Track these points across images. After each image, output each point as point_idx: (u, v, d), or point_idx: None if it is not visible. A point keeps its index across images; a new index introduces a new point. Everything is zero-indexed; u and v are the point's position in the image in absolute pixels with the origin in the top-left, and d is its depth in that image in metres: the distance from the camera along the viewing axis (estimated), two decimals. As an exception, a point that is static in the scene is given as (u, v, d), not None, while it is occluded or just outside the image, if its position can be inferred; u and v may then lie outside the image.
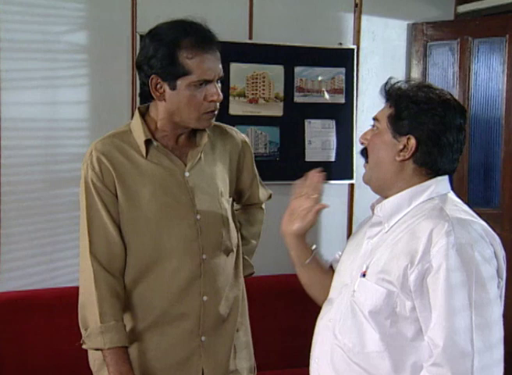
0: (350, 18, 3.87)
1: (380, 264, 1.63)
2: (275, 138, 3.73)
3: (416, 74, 4.04)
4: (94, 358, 2.09)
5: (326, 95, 3.81)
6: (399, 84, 1.73)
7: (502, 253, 1.62)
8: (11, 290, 3.15)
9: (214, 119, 2.04)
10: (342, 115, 3.84)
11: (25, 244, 3.29)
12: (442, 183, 1.70)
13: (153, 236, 2.01)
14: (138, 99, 3.32)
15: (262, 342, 3.28)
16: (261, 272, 3.60)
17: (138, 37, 3.31)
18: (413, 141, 1.66)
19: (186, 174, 2.05)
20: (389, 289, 1.59)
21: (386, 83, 1.75)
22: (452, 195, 1.71)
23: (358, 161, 3.59)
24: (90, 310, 1.98)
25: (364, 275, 1.67)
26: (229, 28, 3.57)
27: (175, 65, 1.92)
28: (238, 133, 2.26)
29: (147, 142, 2.02)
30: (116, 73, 3.38)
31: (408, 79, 1.75)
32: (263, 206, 2.46)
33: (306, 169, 3.73)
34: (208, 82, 1.95)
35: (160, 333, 2.04)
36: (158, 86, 1.96)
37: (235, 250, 2.18)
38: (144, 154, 2.02)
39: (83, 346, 2.00)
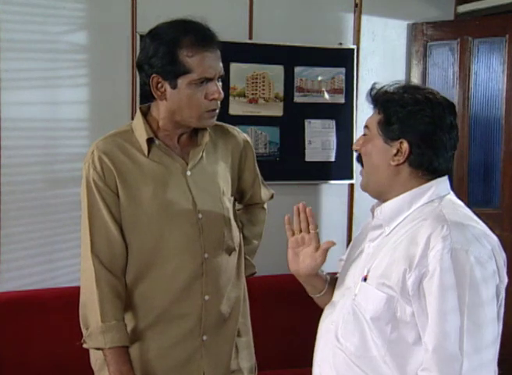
0: (350, 18, 3.87)
1: (380, 268, 1.63)
2: (275, 138, 3.73)
3: (416, 74, 4.04)
4: (96, 358, 2.08)
5: (326, 95, 3.81)
6: (384, 89, 1.72)
7: (502, 255, 1.61)
8: (11, 290, 3.15)
9: (215, 118, 2.04)
10: (342, 115, 3.84)
11: (25, 244, 3.29)
12: (441, 185, 1.69)
13: (154, 235, 2.01)
14: (138, 99, 3.34)
15: (263, 342, 3.28)
16: (261, 272, 3.60)
17: (138, 37, 3.31)
18: (405, 145, 1.65)
19: (188, 173, 2.05)
20: (389, 294, 1.58)
21: (372, 90, 1.74)
22: (452, 197, 1.70)
23: (358, 161, 3.60)
24: (91, 309, 1.98)
25: (365, 279, 1.66)
26: (229, 28, 3.57)
27: (175, 63, 1.92)
28: (240, 133, 2.26)
29: (149, 141, 2.02)
30: (116, 73, 3.38)
31: (395, 81, 1.73)
32: (265, 206, 2.45)
33: (306, 169, 3.79)
34: (208, 80, 1.95)
35: (161, 332, 2.04)
36: (159, 85, 1.96)
37: (237, 249, 2.18)
38: (146, 152, 2.01)
39: (84, 345, 2.00)
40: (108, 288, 1.97)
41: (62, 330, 2.96)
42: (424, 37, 4.01)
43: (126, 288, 2.03)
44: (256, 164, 2.32)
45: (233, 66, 3.61)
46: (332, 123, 3.82)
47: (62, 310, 2.94)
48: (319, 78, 3.79)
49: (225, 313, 2.12)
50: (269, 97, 3.70)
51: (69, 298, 2.71)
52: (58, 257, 3.34)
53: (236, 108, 3.64)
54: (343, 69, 3.84)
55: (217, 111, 2.01)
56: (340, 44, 3.84)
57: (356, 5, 3.86)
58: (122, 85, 3.38)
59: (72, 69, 3.34)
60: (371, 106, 1.75)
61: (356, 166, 3.81)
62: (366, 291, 1.64)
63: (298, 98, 3.76)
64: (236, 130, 2.26)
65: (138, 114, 2.07)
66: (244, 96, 3.66)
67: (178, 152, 2.06)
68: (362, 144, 1.74)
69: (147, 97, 2.05)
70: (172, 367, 2.05)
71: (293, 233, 1.84)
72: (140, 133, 2.03)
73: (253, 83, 3.67)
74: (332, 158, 3.84)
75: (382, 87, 1.73)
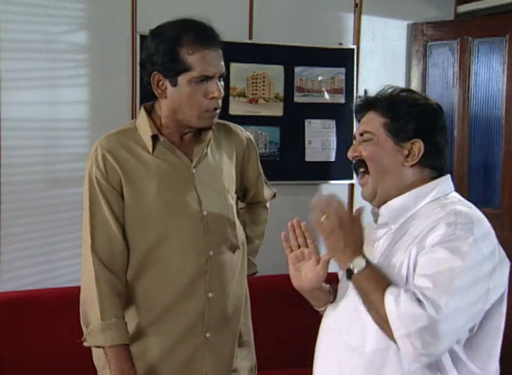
0: (350, 18, 3.87)
1: (383, 269, 1.63)
2: (275, 138, 3.73)
3: (416, 74, 4.04)
4: (98, 356, 2.09)
5: (326, 95, 3.81)
6: (381, 93, 1.73)
7: (503, 254, 1.63)
8: (11, 290, 3.15)
9: (216, 117, 2.04)
10: (342, 115, 3.84)
11: (25, 244, 3.29)
12: (446, 183, 1.72)
13: (159, 232, 2.01)
14: (138, 99, 3.34)
15: (263, 342, 3.28)
16: (261, 272, 3.61)
17: (138, 37, 3.31)
18: (418, 145, 1.67)
19: (193, 170, 2.05)
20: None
21: (363, 97, 1.77)
22: (456, 194, 1.73)
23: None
24: (91, 307, 1.98)
25: None
26: (229, 28, 3.53)
27: (176, 61, 1.92)
28: (243, 131, 2.27)
29: (154, 138, 2.02)
30: (116, 73, 3.38)
31: (385, 87, 1.75)
32: (267, 205, 2.46)
33: (306, 169, 3.79)
34: (208, 78, 1.95)
35: (164, 329, 2.04)
36: (160, 83, 1.97)
37: (241, 248, 2.18)
38: (151, 149, 2.02)
39: (85, 343, 2.00)
40: (108, 287, 1.97)
41: (62, 330, 2.96)
42: (424, 37, 4.01)
43: (127, 286, 2.03)
44: (259, 163, 2.33)
45: (233, 66, 3.61)
46: (332, 123, 3.82)
47: (62, 310, 2.94)
48: (319, 78, 3.79)
49: (229, 311, 2.12)
50: (269, 97, 3.70)
51: (69, 298, 2.72)
52: (58, 257, 3.34)
53: (236, 108, 3.64)
54: (343, 69, 3.84)
55: (218, 111, 2.01)
56: (340, 44, 3.84)
57: (356, 5, 3.86)
58: (122, 85, 3.38)
59: (72, 69, 3.34)
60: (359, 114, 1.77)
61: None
62: None
63: (298, 98, 3.76)
64: (239, 128, 2.27)
65: (142, 112, 2.07)
66: (244, 96, 3.66)
67: (182, 150, 2.06)
68: (365, 149, 1.72)
69: (149, 95, 2.05)
70: (175, 365, 2.06)
71: (292, 249, 1.80)
72: (145, 130, 2.03)
73: (253, 83, 3.67)
74: (332, 159, 3.84)
75: (376, 94, 1.74)
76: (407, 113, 1.67)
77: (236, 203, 2.23)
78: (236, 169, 2.20)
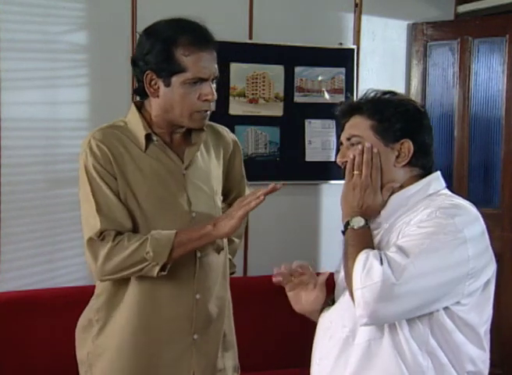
0: (350, 18, 3.87)
1: None
2: (275, 138, 3.73)
3: (416, 74, 4.05)
4: (87, 352, 2.07)
5: (326, 95, 3.81)
6: (364, 97, 1.75)
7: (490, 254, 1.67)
8: (11, 290, 3.15)
9: (207, 119, 2.03)
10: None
11: (25, 244, 3.29)
12: (436, 181, 1.73)
13: (148, 230, 1.98)
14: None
15: (262, 342, 3.28)
16: (260, 272, 3.61)
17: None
18: (408, 144, 1.68)
19: (184, 172, 2.05)
20: None
21: (350, 101, 1.79)
22: (447, 191, 1.74)
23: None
24: (130, 252, 1.92)
25: None
26: (229, 28, 3.57)
27: (170, 61, 1.92)
28: (229, 133, 2.27)
29: (147, 137, 2.01)
30: (116, 73, 3.37)
31: (367, 91, 1.77)
32: None
33: (306, 169, 3.79)
34: (202, 81, 1.94)
35: (153, 330, 2.03)
36: (153, 82, 1.96)
37: (225, 249, 2.18)
38: (144, 148, 2.01)
39: (157, 268, 1.92)
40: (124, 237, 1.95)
41: (62, 330, 2.95)
42: (424, 37, 4.01)
43: (115, 286, 2.01)
44: (243, 165, 2.33)
45: (233, 66, 3.61)
46: (332, 123, 3.82)
47: (62, 310, 2.94)
48: (319, 78, 3.79)
49: (214, 313, 2.12)
50: (269, 97, 3.70)
51: (69, 298, 2.73)
52: (58, 257, 3.34)
53: (236, 108, 3.64)
54: (343, 69, 3.84)
55: (208, 112, 2.01)
56: (340, 44, 3.84)
57: (356, 5, 3.86)
58: (122, 85, 3.38)
59: (72, 69, 3.34)
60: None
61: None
62: None
63: (298, 98, 3.76)
64: (225, 129, 2.27)
65: (133, 109, 2.06)
66: (244, 96, 3.66)
67: (174, 150, 2.05)
68: (358, 155, 1.71)
69: (140, 93, 2.04)
70: (163, 366, 2.04)
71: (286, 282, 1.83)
72: (138, 128, 2.02)
73: (253, 83, 3.67)
74: (332, 158, 3.83)
75: (359, 98, 1.76)
76: (393, 114, 1.69)
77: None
78: (223, 170, 2.20)
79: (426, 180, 1.71)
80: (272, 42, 3.66)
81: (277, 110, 3.72)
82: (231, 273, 2.31)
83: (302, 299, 1.83)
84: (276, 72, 3.71)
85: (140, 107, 2.07)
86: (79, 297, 2.05)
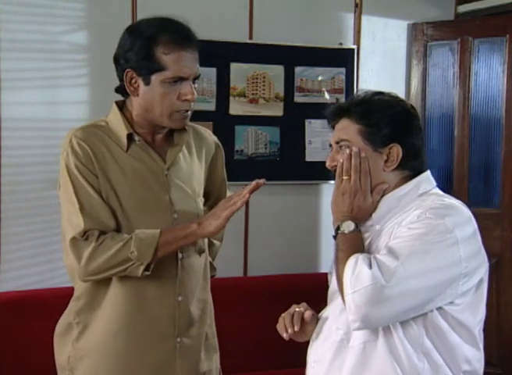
0: (350, 18, 3.87)
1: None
2: (275, 138, 3.73)
3: (416, 74, 4.05)
4: (68, 356, 2.05)
5: (326, 95, 3.81)
6: (352, 100, 1.75)
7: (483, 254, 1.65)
8: (11, 290, 3.15)
9: (187, 119, 2.01)
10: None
11: (25, 244, 3.29)
12: (426, 181, 1.73)
13: (129, 231, 1.96)
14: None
15: (261, 342, 3.28)
16: (260, 272, 3.61)
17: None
18: (396, 149, 1.68)
19: (166, 172, 2.02)
20: None
21: (339, 104, 1.78)
22: (438, 191, 1.74)
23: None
24: (115, 252, 1.90)
25: None
26: (229, 28, 3.57)
27: (150, 59, 1.90)
28: (211, 135, 2.25)
29: (129, 137, 1.99)
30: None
31: (359, 93, 1.77)
32: None
33: (306, 169, 3.79)
34: (183, 80, 1.92)
35: (136, 334, 2.00)
36: (133, 81, 1.94)
37: (206, 251, 2.16)
38: (125, 148, 1.98)
39: (138, 263, 1.90)
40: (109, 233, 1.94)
41: (62, 330, 2.96)
42: (424, 37, 4.01)
43: (96, 287, 1.99)
44: (224, 168, 2.30)
45: (233, 66, 3.61)
46: (332, 123, 3.82)
47: (62, 310, 2.93)
48: (319, 78, 3.79)
49: (196, 315, 2.10)
50: (269, 97, 3.70)
51: (68, 298, 2.71)
52: (58, 257, 3.31)
53: (236, 108, 3.64)
54: (343, 69, 3.84)
55: (189, 112, 1.98)
56: (341, 44, 3.84)
57: (356, 5, 3.86)
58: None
59: (72, 69, 3.35)
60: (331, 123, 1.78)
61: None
62: None
63: (298, 98, 3.77)
64: (207, 131, 2.24)
65: (115, 109, 2.04)
66: (244, 96, 3.66)
67: (156, 151, 2.03)
68: (346, 159, 1.72)
69: (121, 92, 2.02)
70: (147, 369, 2.02)
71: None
72: (119, 127, 2.00)
73: (253, 83, 3.67)
74: (333, 159, 3.83)
75: (348, 100, 1.77)
76: (381, 118, 1.68)
77: None
78: (204, 172, 2.18)
79: (416, 181, 1.71)
80: (272, 42, 3.66)
81: (277, 110, 3.72)
82: (211, 276, 2.28)
83: (308, 333, 1.81)
84: (276, 72, 3.71)
85: (121, 107, 2.05)
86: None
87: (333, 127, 1.78)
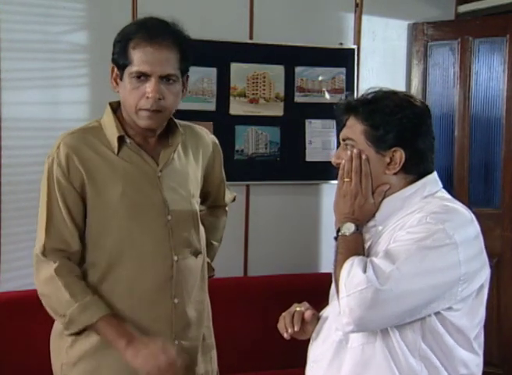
0: (350, 18, 3.87)
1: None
2: (275, 138, 3.73)
3: (416, 74, 4.04)
4: (61, 363, 2.04)
5: (327, 95, 3.81)
6: (363, 98, 1.72)
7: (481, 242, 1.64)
8: (11, 290, 3.15)
9: (154, 119, 1.95)
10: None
11: (25, 244, 3.27)
12: (432, 183, 1.71)
13: (123, 234, 1.96)
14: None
15: (260, 342, 3.28)
16: (259, 272, 3.61)
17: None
18: (400, 153, 1.66)
19: (159, 174, 2.01)
20: None
21: (346, 101, 1.75)
22: (443, 193, 1.72)
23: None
24: (58, 298, 1.92)
25: None
26: (229, 28, 3.57)
27: (124, 54, 1.91)
28: (208, 134, 2.23)
29: (120, 139, 1.98)
30: (116, 72, 3.37)
31: (369, 89, 1.73)
32: (227, 208, 2.42)
33: (306, 169, 3.79)
34: (147, 76, 1.90)
35: None
36: (115, 75, 1.98)
37: (203, 252, 2.15)
38: (116, 150, 1.97)
39: (68, 332, 1.94)
40: (71, 274, 1.93)
41: (62, 330, 2.96)
42: (424, 37, 4.01)
43: (93, 291, 1.97)
44: (223, 167, 2.29)
45: (234, 66, 3.61)
46: (332, 123, 3.82)
47: (62, 310, 2.93)
48: (320, 78, 3.79)
49: (193, 316, 2.09)
50: (270, 97, 3.70)
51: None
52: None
53: (236, 108, 3.64)
54: (343, 69, 3.84)
55: (153, 112, 1.93)
56: (341, 44, 3.84)
57: (356, 5, 3.86)
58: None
59: (72, 69, 3.35)
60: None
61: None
62: None
63: (299, 98, 3.76)
64: (204, 130, 2.23)
65: (108, 110, 2.04)
66: (245, 96, 3.66)
67: (148, 152, 2.02)
68: (349, 159, 1.71)
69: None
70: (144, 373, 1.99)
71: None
72: (111, 130, 1.99)
73: (253, 83, 3.67)
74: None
75: (357, 97, 1.73)
76: (386, 122, 1.65)
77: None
78: (201, 172, 2.16)
79: (421, 182, 1.69)
80: (272, 42, 3.66)
81: (277, 110, 3.72)
82: (210, 277, 2.27)
83: (308, 331, 1.81)
84: (277, 72, 3.71)
85: (116, 108, 2.05)
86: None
87: (345, 123, 1.76)
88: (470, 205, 1.74)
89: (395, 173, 1.68)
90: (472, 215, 1.66)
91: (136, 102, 1.92)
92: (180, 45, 1.94)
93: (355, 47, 3.87)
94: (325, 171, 3.83)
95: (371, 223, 1.72)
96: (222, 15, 3.54)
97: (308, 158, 3.81)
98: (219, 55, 3.55)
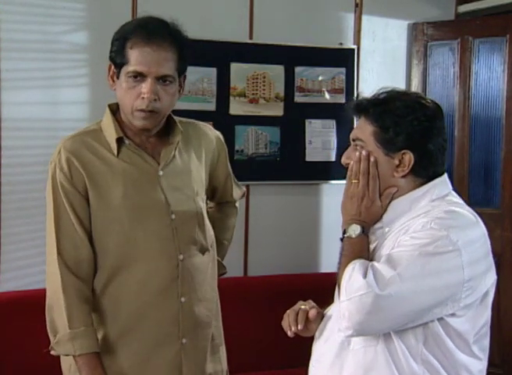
0: (350, 18, 3.87)
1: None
2: (275, 138, 3.73)
3: (416, 74, 4.04)
4: (70, 363, 2.04)
5: (327, 95, 3.81)
6: (373, 98, 1.69)
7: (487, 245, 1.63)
8: (11, 290, 3.15)
9: (149, 120, 1.95)
10: (342, 115, 3.82)
11: (25, 244, 3.28)
12: (441, 185, 1.69)
13: (127, 237, 1.96)
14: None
15: (260, 342, 3.28)
16: (258, 272, 3.61)
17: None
18: (409, 156, 1.64)
19: (160, 173, 2.01)
20: None
21: (357, 100, 1.72)
22: (452, 197, 1.70)
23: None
24: (58, 315, 1.95)
25: None
26: (229, 28, 3.57)
27: (121, 53, 1.91)
28: (212, 130, 2.22)
29: (119, 140, 1.98)
30: (116, 72, 3.37)
31: (381, 89, 1.71)
32: (237, 204, 2.42)
33: (306, 169, 3.79)
34: (143, 76, 1.90)
35: (139, 337, 1.99)
36: (111, 73, 1.98)
37: (211, 250, 2.14)
38: (116, 152, 1.97)
39: (52, 352, 1.97)
40: (75, 293, 1.94)
41: (62, 330, 2.96)
42: (424, 37, 4.01)
43: (96, 293, 1.99)
44: (228, 162, 2.28)
45: (234, 66, 3.61)
46: (332, 123, 3.82)
47: (62, 310, 2.93)
48: (320, 78, 3.79)
49: (202, 315, 2.08)
50: (270, 97, 3.70)
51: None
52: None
53: (236, 108, 3.64)
54: (343, 69, 3.84)
55: (148, 112, 1.92)
56: (341, 44, 3.84)
57: (356, 5, 3.86)
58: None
59: (72, 69, 3.35)
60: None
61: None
62: None
63: (299, 98, 3.76)
64: (208, 127, 2.22)
65: (107, 112, 2.04)
66: (245, 96, 3.66)
67: (149, 152, 2.01)
68: (357, 160, 1.70)
69: None
70: (152, 372, 2.01)
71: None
72: (110, 132, 1.99)
73: (253, 83, 3.67)
74: (333, 158, 3.84)
75: (369, 97, 1.70)
76: (396, 124, 1.63)
77: (206, 203, 2.19)
78: (205, 169, 2.15)
79: (430, 185, 1.67)
80: (272, 42, 3.66)
81: (277, 110, 3.72)
82: (221, 275, 2.27)
83: (312, 329, 1.80)
84: (277, 72, 3.71)
85: (115, 110, 2.04)
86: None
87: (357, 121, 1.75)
88: (470, 205, 1.72)
89: (403, 176, 1.66)
90: (478, 218, 1.64)
91: (132, 102, 1.92)
92: (178, 46, 1.94)
93: (355, 47, 3.87)
94: (325, 171, 3.84)
95: (377, 225, 1.71)
96: (221, 15, 3.54)
97: (308, 158, 3.81)
98: (219, 55, 3.55)
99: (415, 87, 4.04)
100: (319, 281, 3.06)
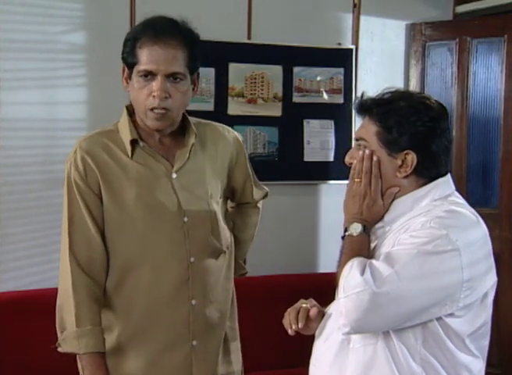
0: (348, 18, 3.88)
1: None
2: (273, 138, 3.73)
3: (414, 74, 4.05)
4: None
5: (325, 95, 3.81)
6: (378, 98, 1.69)
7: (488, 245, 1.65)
8: (11, 290, 3.14)
9: (162, 120, 1.95)
10: (340, 115, 3.84)
11: (24, 244, 3.29)
12: (443, 185, 1.69)
13: (139, 238, 1.97)
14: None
15: (260, 342, 3.28)
16: (258, 272, 3.61)
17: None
18: (412, 156, 1.63)
19: (174, 175, 2.00)
20: None
21: (362, 100, 1.72)
22: (455, 197, 1.70)
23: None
24: (67, 312, 1.94)
25: None
26: (227, 28, 3.58)
27: (132, 53, 1.92)
28: (230, 132, 2.21)
29: (133, 142, 1.98)
30: (115, 73, 3.34)
31: (386, 89, 1.70)
32: (258, 205, 2.39)
33: (305, 169, 3.80)
34: (153, 75, 1.90)
35: (149, 339, 2.00)
36: (126, 74, 1.98)
37: (226, 252, 2.13)
38: (130, 154, 1.98)
39: (59, 349, 1.96)
40: (85, 292, 1.94)
41: (61, 330, 2.96)
42: (422, 37, 4.02)
43: (108, 293, 2.00)
44: (248, 163, 2.26)
45: (232, 66, 3.62)
46: (330, 123, 3.83)
47: (61, 310, 2.93)
48: (318, 78, 3.79)
49: (214, 317, 2.08)
50: (268, 97, 3.70)
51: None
52: (57, 257, 3.25)
53: (234, 108, 3.64)
54: (341, 70, 3.84)
55: (160, 111, 1.92)
56: (339, 44, 3.85)
57: (354, 6, 3.87)
58: (120, 85, 3.34)
59: (70, 69, 3.35)
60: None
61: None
62: None
63: (297, 98, 3.77)
64: (226, 128, 2.21)
65: (124, 113, 2.04)
66: (243, 96, 3.66)
67: (163, 154, 2.01)
68: (360, 159, 1.71)
69: None
70: (163, 374, 2.02)
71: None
72: (125, 133, 2.00)
73: (251, 83, 3.67)
74: (331, 158, 3.84)
75: (373, 97, 1.70)
76: (400, 124, 1.63)
77: (225, 204, 2.19)
78: (223, 170, 2.14)
79: (433, 185, 1.67)
80: (270, 42, 3.66)
81: (276, 110, 3.73)
82: (241, 275, 2.28)
83: (313, 327, 1.80)
84: (275, 72, 3.71)
85: (132, 111, 2.05)
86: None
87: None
88: (468, 205, 1.73)
89: (406, 176, 1.66)
90: (480, 219, 1.65)
91: (144, 102, 1.92)
92: (188, 44, 1.94)
93: (353, 47, 3.87)
94: (323, 171, 3.84)
95: (379, 225, 1.71)
96: (220, 15, 3.54)
97: (306, 159, 3.81)
98: (217, 55, 3.55)
99: (413, 87, 4.04)
100: (318, 281, 3.07)
